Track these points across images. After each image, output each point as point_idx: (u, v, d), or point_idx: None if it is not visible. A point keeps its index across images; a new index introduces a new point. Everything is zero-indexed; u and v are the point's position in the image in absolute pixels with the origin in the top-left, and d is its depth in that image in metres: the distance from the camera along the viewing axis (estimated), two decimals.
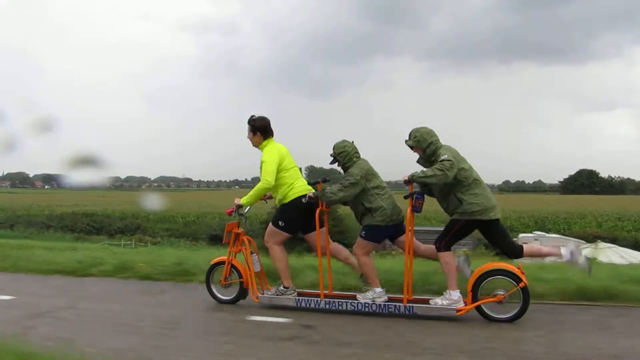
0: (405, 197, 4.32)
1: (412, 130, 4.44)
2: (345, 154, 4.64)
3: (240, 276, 4.97)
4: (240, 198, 4.83)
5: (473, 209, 4.23)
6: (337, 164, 4.73)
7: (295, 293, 4.83)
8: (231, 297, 5.04)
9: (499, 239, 4.39)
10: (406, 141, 4.47)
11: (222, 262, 5.10)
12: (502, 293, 4.19)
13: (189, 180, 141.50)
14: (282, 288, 4.81)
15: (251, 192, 4.82)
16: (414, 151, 4.47)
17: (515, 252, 4.36)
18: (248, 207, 4.94)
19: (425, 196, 4.40)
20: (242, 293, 4.99)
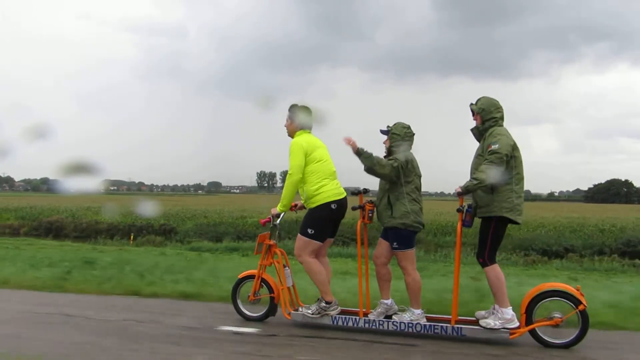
0: (458, 211, 4.07)
1: (481, 97, 4.20)
2: (397, 137, 4.36)
3: (271, 291, 4.66)
4: (277, 207, 4.52)
5: (504, 206, 3.94)
6: (385, 139, 4.46)
7: (339, 309, 4.46)
8: (259, 314, 4.71)
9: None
10: (471, 104, 4.21)
11: (249, 277, 4.79)
12: (559, 316, 3.92)
13: (142, 184, 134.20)
14: (324, 304, 4.40)
15: (282, 195, 4.46)
16: (474, 118, 4.21)
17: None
18: (281, 217, 4.64)
19: None
20: (272, 309, 4.67)
